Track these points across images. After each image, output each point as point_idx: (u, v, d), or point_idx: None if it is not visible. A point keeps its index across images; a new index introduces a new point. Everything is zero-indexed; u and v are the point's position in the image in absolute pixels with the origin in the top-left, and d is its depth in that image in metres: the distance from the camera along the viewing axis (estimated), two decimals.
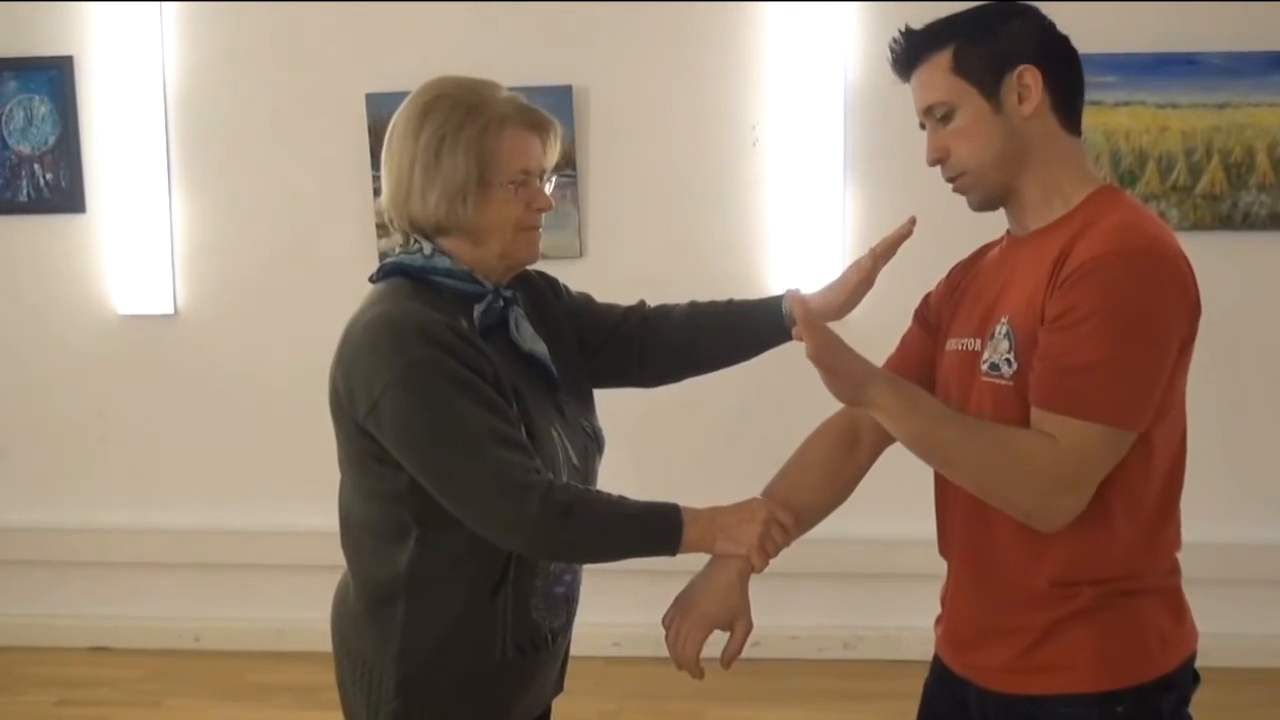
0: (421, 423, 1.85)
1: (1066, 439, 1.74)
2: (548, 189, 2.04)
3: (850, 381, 1.82)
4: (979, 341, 1.90)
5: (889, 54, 1.93)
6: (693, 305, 2.27)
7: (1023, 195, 1.90)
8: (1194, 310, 1.80)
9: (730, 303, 2.26)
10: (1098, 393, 1.72)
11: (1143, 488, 1.83)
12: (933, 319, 2.10)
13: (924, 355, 2.08)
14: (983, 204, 1.94)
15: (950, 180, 1.93)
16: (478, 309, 1.97)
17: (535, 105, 2.01)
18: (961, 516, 1.96)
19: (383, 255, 4.29)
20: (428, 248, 1.98)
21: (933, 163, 1.93)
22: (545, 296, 2.17)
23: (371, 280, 2.04)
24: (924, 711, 2.15)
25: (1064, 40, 1.90)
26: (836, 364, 1.81)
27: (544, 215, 2.03)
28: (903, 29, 1.92)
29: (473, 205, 1.94)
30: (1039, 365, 1.78)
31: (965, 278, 2.05)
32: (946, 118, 1.89)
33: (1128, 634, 1.85)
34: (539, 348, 2.04)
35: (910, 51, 1.91)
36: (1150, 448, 1.80)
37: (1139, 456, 1.79)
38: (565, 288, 2.23)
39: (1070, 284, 1.75)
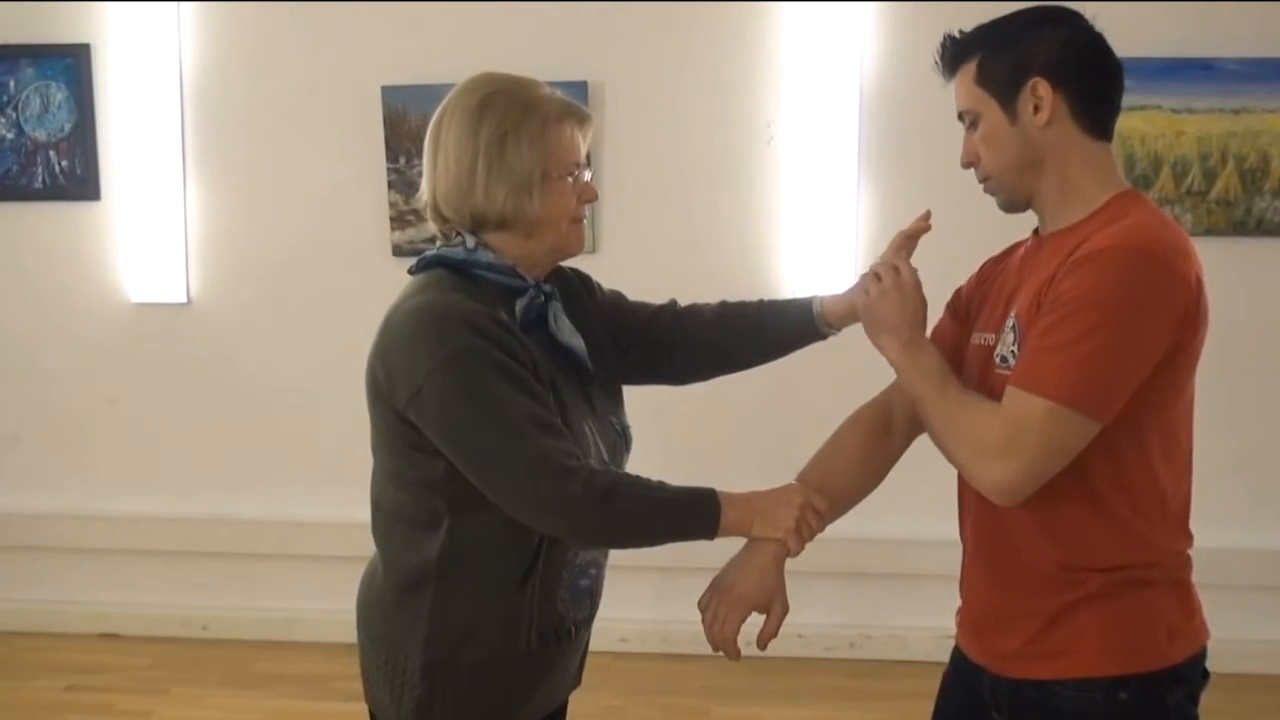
0: (465, 409, 1.87)
1: (1008, 407, 1.81)
2: (588, 178, 2.08)
3: (879, 324, 2.01)
4: (994, 336, 1.96)
5: (935, 59, 1.99)
6: (723, 305, 2.28)
7: (1044, 198, 1.96)
8: (1187, 318, 1.82)
9: (761, 303, 2.28)
10: (1054, 371, 1.78)
11: (1142, 485, 1.88)
12: (962, 310, 2.16)
13: (956, 343, 2.13)
14: (1008, 207, 2.01)
15: (981, 183, 2.00)
16: (520, 303, 2.00)
17: (573, 99, 2.05)
18: (975, 499, 2.00)
19: (396, 247, 4.34)
20: (470, 241, 2.00)
21: (965, 165, 2.01)
22: (579, 293, 2.19)
23: (411, 272, 2.06)
24: (940, 701, 2.19)
25: (1092, 46, 1.93)
26: (888, 301, 2.00)
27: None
28: (946, 36, 1.98)
29: (538, 197, 1.97)
30: (1023, 346, 1.85)
31: (994, 273, 2.11)
32: (974, 125, 1.96)
33: (1134, 622, 1.89)
34: (576, 342, 2.06)
35: (948, 59, 1.98)
36: (1146, 448, 1.86)
37: (1135, 454, 1.85)
38: (598, 285, 2.25)
39: (1066, 273, 1.81)
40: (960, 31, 1.97)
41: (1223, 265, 4.22)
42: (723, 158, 4.34)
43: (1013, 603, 1.96)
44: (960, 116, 1.98)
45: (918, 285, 2.02)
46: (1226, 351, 4.26)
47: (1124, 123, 4.03)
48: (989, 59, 1.92)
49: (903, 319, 1.99)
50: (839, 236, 4.26)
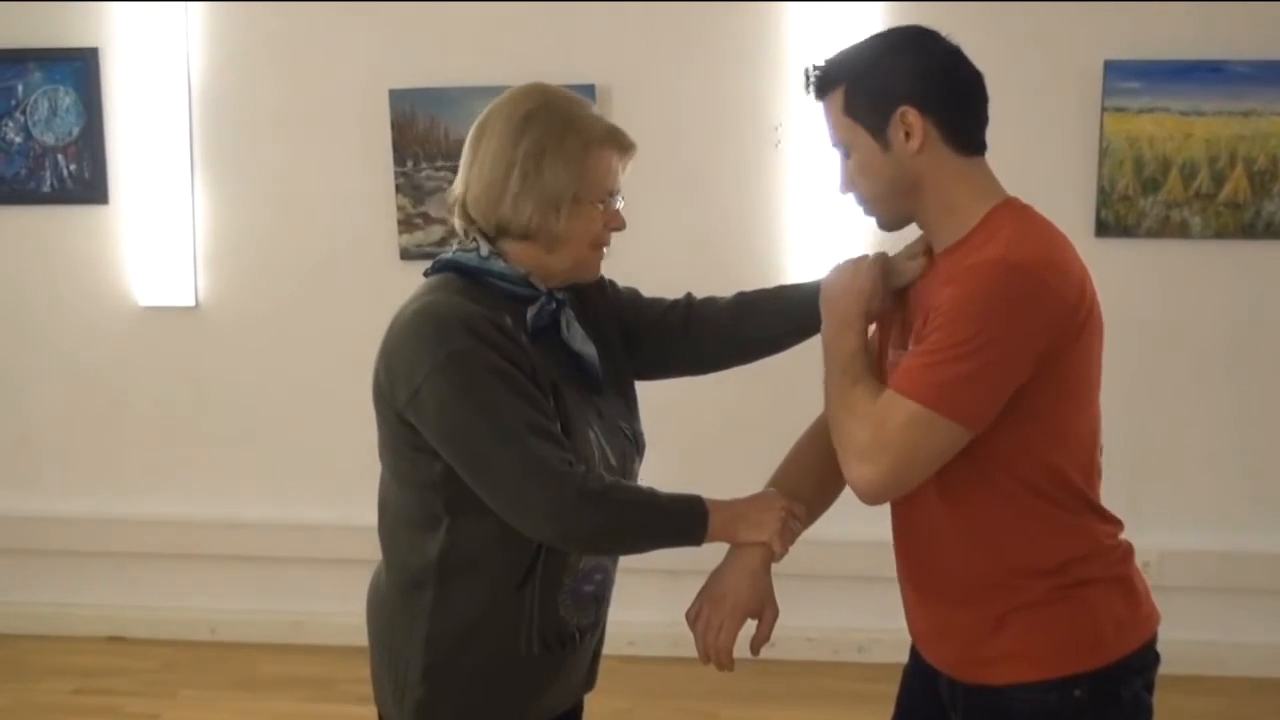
0: (461, 411, 1.88)
1: (879, 407, 1.85)
2: (619, 206, 2.08)
3: (824, 291, 2.05)
4: (896, 354, 2.00)
5: (804, 84, 2.00)
6: (739, 293, 2.28)
7: (926, 218, 1.98)
8: (1063, 327, 1.84)
9: (779, 287, 2.28)
10: (924, 377, 1.82)
11: (1050, 478, 1.90)
12: (885, 326, 2.17)
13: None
14: (886, 228, 2.03)
15: (860, 207, 2.02)
16: (531, 311, 2.00)
17: (619, 127, 2.05)
18: (903, 519, 2.06)
19: (404, 250, 4.34)
20: (485, 248, 2.01)
21: (843, 193, 2.02)
22: (591, 295, 2.18)
23: (425, 274, 2.07)
24: (902, 695, 2.23)
25: (953, 68, 1.95)
26: (841, 273, 2.04)
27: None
28: (811, 66, 1.99)
29: (564, 218, 1.98)
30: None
31: (910, 292, 2.10)
32: (848, 154, 1.97)
33: (1081, 622, 1.92)
34: (589, 350, 2.07)
35: (815, 87, 1.99)
36: (1046, 443, 1.90)
37: (1034, 451, 1.89)
38: (612, 283, 2.25)
39: (944, 287, 1.85)
40: (823, 60, 1.98)
41: (1231, 268, 4.26)
42: (730, 160, 4.34)
43: (955, 614, 1.99)
44: (834, 145, 1.99)
45: (874, 270, 2.02)
46: (1236, 354, 4.29)
47: (1132, 125, 4.08)
48: (854, 90, 1.93)
49: (846, 293, 2.01)
50: (846, 238, 4.25)
